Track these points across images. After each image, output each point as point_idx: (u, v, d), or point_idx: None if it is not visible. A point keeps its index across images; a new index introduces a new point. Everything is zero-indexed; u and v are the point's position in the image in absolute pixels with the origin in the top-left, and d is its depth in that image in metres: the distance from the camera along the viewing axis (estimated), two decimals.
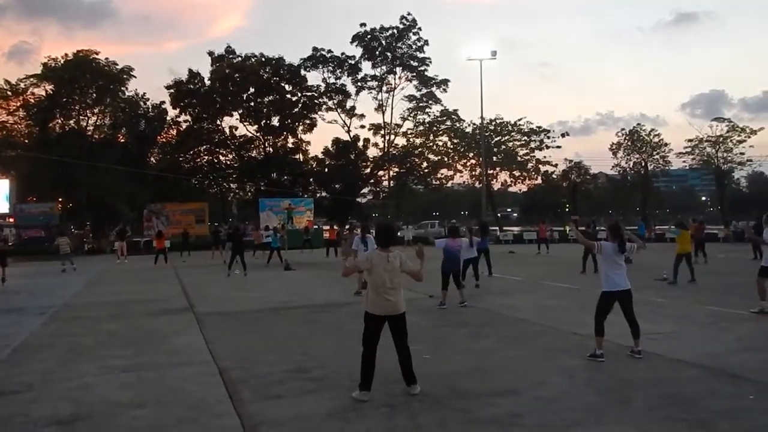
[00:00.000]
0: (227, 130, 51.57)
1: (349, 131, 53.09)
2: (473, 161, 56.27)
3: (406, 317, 5.99)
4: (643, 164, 60.89)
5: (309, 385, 6.41)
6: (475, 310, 11.52)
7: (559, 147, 57.51)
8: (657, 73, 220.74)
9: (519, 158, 57.51)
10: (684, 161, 61.02)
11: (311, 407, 5.64)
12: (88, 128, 46.19)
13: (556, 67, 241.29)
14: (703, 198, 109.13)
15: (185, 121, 50.53)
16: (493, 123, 56.12)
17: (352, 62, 51.83)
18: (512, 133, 57.01)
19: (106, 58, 45.47)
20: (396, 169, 54.55)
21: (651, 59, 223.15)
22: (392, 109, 53.21)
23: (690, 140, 58.88)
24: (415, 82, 52.48)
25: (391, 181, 55.30)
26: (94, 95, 45.33)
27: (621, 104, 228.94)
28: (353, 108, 52.96)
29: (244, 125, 51.65)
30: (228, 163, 53.03)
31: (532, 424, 5.09)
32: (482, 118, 49.15)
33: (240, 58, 50.13)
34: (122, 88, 46.73)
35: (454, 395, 5.92)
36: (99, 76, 44.20)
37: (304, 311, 11.76)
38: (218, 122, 51.11)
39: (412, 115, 53.68)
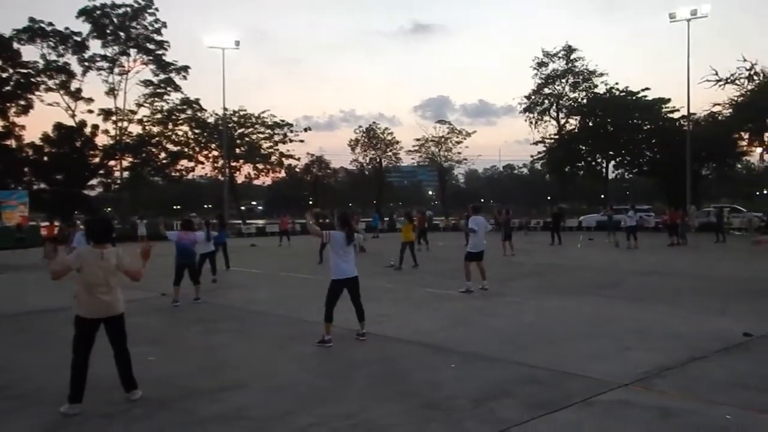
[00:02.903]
0: None
1: (74, 116, 47.65)
2: (216, 153, 54.84)
3: (124, 318, 5.56)
4: (378, 160, 65.59)
5: (8, 404, 5.56)
6: (210, 305, 11.20)
7: (302, 141, 59.05)
8: (395, 76, 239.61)
9: (263, 151, 57.66)
10: (413, 158, 67.49)
11: (11, 429, 4.91)
12: None
13: (303, 62, 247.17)
14: (430, 192, 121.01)
15: None
16: (237, 114, 55.39)
17: (79, 39, 46.60)
18: (256, 126, 56.88)
19: None
20: (130, 159, 50.60)
21: (390, 63, 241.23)
22: (126, 93, 49.24)
23: (418, 140, 65.28)
24: (151, 67, 49.14)
25: (125, 172, 51.19)
26: None
27: (362, 103, 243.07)
28: (79, 90, 47.65)
29: None
30: None
31: (258, 416, 5.09)
32: (224, 108, 48.23)
33: None
34: None
35: (180, 396, 5.66)
36: None
37: (8, 320, 10.22)
38: None
39: (148, 101, 50.18)
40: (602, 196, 55.96)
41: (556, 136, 55.16)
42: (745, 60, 41.20)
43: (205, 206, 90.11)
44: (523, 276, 15.06)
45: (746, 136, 42.98)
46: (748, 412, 4.89)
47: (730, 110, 41.73)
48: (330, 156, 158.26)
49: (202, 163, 55.97)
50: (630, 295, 11.59)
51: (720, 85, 41.47)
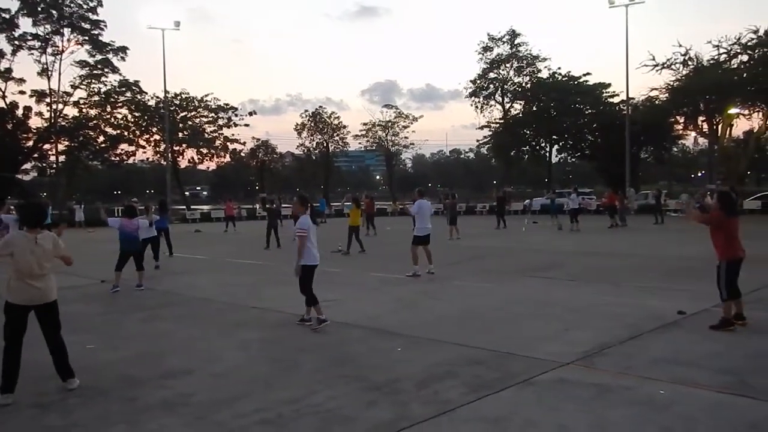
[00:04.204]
0: None
1: (4, 97, 45.39)
2: (157, 136, 53.24)
3: (57, 306, 5.38)
4: (325, 144, 65.02)
5: None
6: (153, 292, 10.94)
7: (247, 125, 57.84)
8: (342, 60, 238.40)
9: (206, 135, 56.32)
10: (360, 143, 67.06)
11: None
12: None
13: (248, 45, 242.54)
14: (378, 177, 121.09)
15: None
16: (179, 97, 53.85)
17: (7, 17, 44.19)
18: (199, 109, 55.45)
19: None
20: (66, 143, 48.57)
21: (337, 46, 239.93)
22: (60, 75, 46.98)
23: (365, 124, 64.88)
24: (87, 47, 47.07)
25: (61, 156, 49.17)
26: None
27: (309, 87, 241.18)
28: (9, 70, 45.28)
29: None
30: None
31: (202, 401, 5.00)
32: (165, 91, 46.85)
33: None
34: None
35: (121, 384, 5.51)
36: None
37: None
38: None
39: (85, 83, 48.09)
40: (546, 179, 57.14)
41: (501, 121, 55.81)
42: (680, 45, 42.69)
43: (148, 191, 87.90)
44: (468, 259, 15.26)
45: (681, 120, 44.59)
46: (681, 387, 5.09)
47: (667, 95, 43.14)
48: (276, 140, 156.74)
49: (144, 147, 54.21)
50: (572, 276, 11.89)
51: (657, 70, 42.82)
